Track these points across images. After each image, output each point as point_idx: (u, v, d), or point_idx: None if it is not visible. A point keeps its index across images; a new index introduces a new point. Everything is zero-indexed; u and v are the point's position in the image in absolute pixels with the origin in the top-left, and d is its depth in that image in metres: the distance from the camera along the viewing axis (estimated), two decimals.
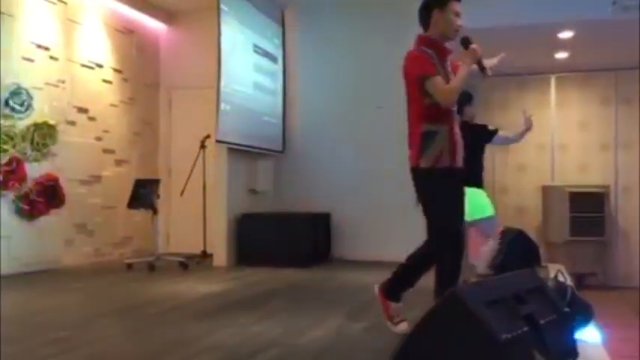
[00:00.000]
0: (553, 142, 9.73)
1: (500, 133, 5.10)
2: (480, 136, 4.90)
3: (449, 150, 3.20)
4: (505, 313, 2.12)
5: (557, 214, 9.15)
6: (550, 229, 9.31)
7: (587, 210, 8.98)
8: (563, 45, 8.32)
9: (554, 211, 9.27)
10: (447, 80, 3.18)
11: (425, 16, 3.29)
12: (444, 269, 3.17)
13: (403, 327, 3.33)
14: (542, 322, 2.24)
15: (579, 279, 8.52)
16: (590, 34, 7.80)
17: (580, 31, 7.63)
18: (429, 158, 3.17)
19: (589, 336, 3.14)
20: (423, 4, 3.32)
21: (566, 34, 7.77)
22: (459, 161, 3.26)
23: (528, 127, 5.09)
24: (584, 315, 3.08)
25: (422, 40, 3.28)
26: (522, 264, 4.78)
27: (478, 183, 4.85)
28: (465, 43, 3.18)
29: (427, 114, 3.17)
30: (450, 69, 3.27)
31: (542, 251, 6.52)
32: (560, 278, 3.28)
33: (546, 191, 9.52)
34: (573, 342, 2.55)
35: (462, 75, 3.13)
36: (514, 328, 2.08)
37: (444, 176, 3.18)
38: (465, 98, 4.59)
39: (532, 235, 6.96)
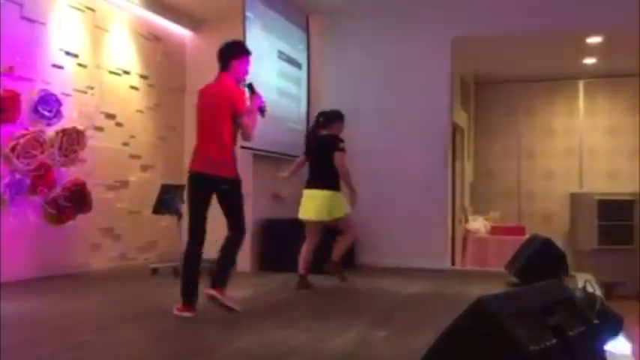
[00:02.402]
0: (581, 148, 9.59)
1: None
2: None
3: None
4: (532, 324, 2.08)
5: (585, 223, 9.01)
6: (578, 237, 9.17)
7: (616, 218, 8.84)
8: (591, 50, 8.21)
9: (582, 219, 9.13)
10: None
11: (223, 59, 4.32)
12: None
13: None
14: (570, 333, 2.19)
15: (608, 288, 8.36)
16: (619, 40, 7.69)
17: (608, 36, 7.52)
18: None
19: (619, 348, 3.08)
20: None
21: (594, 40, 7.67)
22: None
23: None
24: (613, 326, 3.02)
25: (235, 79, 4.32)
26: (549, 273, 4.71)
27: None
28: (252, 89, 4.33)
29: (235, 138, 4.32)
30: None
31: (569, 259, 6.41)
32: (589, 288, 3.22)
33: (574, 199, 9.37)
34: (602, 354, 2.49)
35: (255, 122, 4.38)
36: (542, 340, 2.04)
37: None
38: (339, 116, 5.73)
39: (560, 242, 6.84)
